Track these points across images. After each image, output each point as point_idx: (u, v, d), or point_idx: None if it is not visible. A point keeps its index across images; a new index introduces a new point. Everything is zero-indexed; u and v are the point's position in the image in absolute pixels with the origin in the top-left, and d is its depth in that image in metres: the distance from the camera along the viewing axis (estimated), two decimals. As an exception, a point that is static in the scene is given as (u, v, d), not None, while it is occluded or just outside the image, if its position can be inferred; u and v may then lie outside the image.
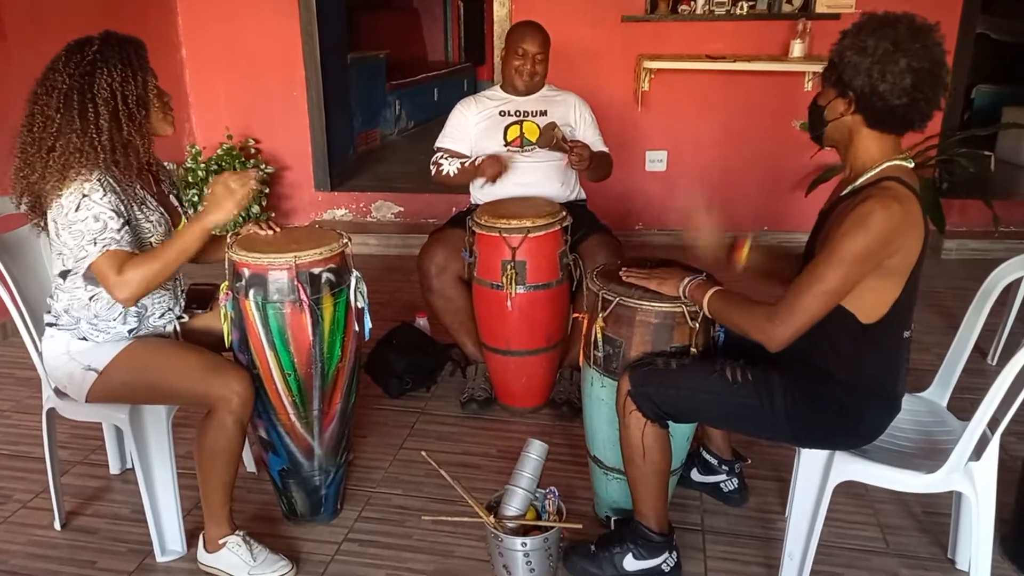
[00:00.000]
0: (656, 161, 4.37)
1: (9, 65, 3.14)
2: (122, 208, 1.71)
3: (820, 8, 3.99)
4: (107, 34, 1.72)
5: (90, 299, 1.77)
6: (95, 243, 1.67)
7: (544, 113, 2.77)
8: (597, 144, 2.79)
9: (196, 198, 4.06)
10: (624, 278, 1.87)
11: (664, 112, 4.26)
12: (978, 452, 1.59)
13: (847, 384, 1.56)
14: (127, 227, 1.71)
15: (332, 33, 4.56)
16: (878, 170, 1.49)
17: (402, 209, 4.61)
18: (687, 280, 1.74)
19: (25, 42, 3.24)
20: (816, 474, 1.67)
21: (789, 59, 3.97)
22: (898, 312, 1.51)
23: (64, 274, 1.77)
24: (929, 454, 1.66)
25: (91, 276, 1.74)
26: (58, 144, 1.67)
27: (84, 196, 1.66)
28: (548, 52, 2.76)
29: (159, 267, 1.70)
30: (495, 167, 2.62)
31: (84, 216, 1.66)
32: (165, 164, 2.02)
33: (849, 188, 1.53)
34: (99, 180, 1.68)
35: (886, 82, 1.42)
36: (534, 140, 2.71)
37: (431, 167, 2.78)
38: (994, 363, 2.87)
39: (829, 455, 1.66)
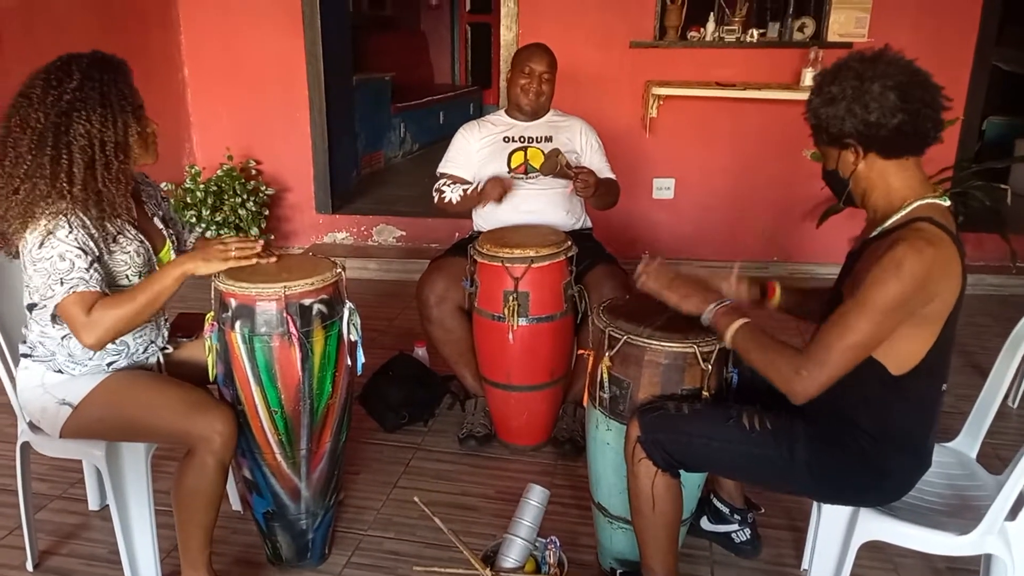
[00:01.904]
0: (663, 189, 4.29)
1: (5, 77, 3.08)
2: (91, 245, 1.60)
3: (832, 37, 3.93)
4: (91, 61, 1.61)
5: (62, 338, 1.67)
6: (61, 283, 1.56)
7: (549, 139, 2.69)
8: (604, 171, 2.71)
9: (194, 219, 3.98)
10: (640, 286, 1.72)
11: (672, 139, 4.19)
12: (1014, 512, 1.47)
13: (875, 437, 1.45)
14: (95, 265, 1.60)
15: (337, 54, 4.50)
16: (909, 209, 1.40)
17: (404, 233, 4.53)
18: (714, 305, 1.59)
19: (21, 56, 3.18)
20: (838, 532, 1.56)
21: (800, 87, 3.90)
22: (932, 363, 1.40)
23: (31, 307, 1.67)
24: (960, 511, 1.55)
25: (58, 316, 1.64)
26: (23, 187, 1.56)
27: (49, 233, 1.56)
28: (555, 73, 2.69)
29: (132, 311, 1.60)
30: (497, 188, 2.54)
31: (50, 254, 1.56)
32: (153, 183, 1.93)
33: (879, 230, 1.43)
34: (66, 216, 1.57)
35: (872, 110, 1.36)
36: (538, 166, 2.63)
37: (434, 193, 2.70)
38: (1015, 406, 2.76)
39: (853, 512, 1.54)
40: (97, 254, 1.62)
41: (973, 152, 4.12)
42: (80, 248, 1.58)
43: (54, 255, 1.56)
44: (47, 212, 1.57)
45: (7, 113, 1.60)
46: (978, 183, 3.79)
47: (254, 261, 1.75)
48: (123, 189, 1.65)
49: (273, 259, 1.81)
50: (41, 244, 1.56)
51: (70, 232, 1.57)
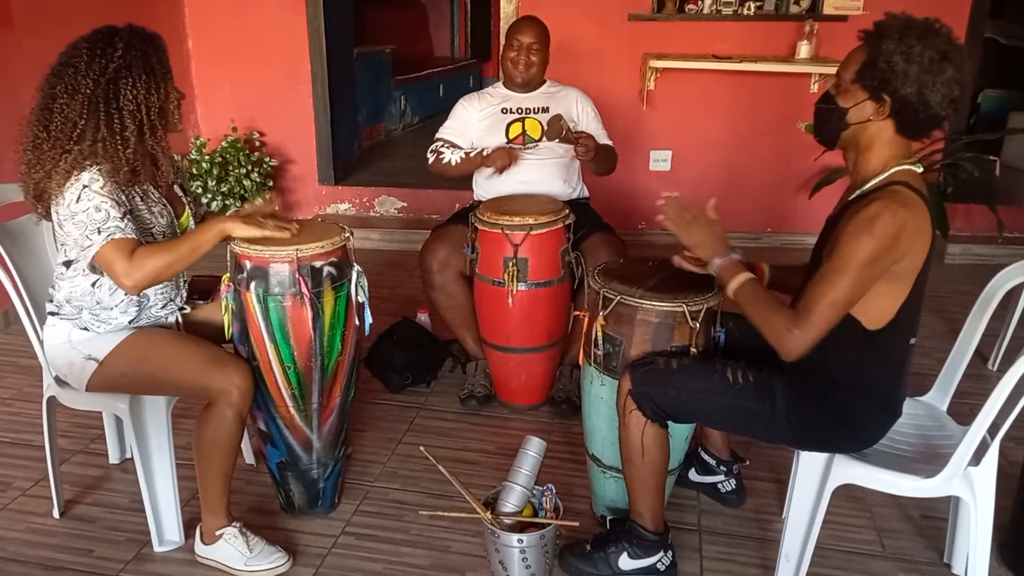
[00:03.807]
0: (660, 160, 4.37)
1: (17, 52, 3.14)
2: (122, 198, 1.70)
3: (828, 10, 3.98)
4: (131, 32, 1.69)
5: (92, 285, 1.77)
6: (99, 232, 1.65)
7: (546, 110, 2.76)
8: (601, 137, 2.78)
9: (200, 190, 4.06)
10: (659, 219, 1.74)
11: (669, 112, 4.25)
12: (977, 457, 1.59)
13: (850, 389, 1.56)
14: (129, 216, 1.70)
15: (339, 27, 4.55)
16: (887, 175, 1.49)
17: (405, 204, 4.61)
18: (722, 259, 1.64)
19: (32, 30, 3.23)
20: (815, 476, 1.67)
21: (796, 60, 3.96)
22: (904, 318, 1.50)
23: (68, 263, 1.77)
24: (929, 459, 1.66)
25: (95, 265, 1.73)
26: (75, 148, 1.65)
27: (84, 187, 1.65)
28: (545, 44, 2.75)
29: (172, 259, 1.70)
30: (505, 158, 2.61)
31: (86, 207, 1.65)
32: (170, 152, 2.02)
33: (857, 193, 1.53)
34: (99, 170, 1.67)
35: (936, 92, 1.40)
36: (537, 137, 2.70)
37: (429, 155, 2.74)
38: (995, 368, 2.86)
39: (828, 458, 1.65)
40: (127, 207, 1.72)
41: (965, 124, 4.19)
42: (114, 200, 1.67)
43: (90, 207, 1.65)
44: (88, 169, 1.66)
45: (50, 82, 1.68)
46: (968, 155, 3.87)
47: (287, 235, 1.82)
48: (168, 154, 1.76)
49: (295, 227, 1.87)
50: (78, 199, 1.65)
51: (103, 185, 1.66)
